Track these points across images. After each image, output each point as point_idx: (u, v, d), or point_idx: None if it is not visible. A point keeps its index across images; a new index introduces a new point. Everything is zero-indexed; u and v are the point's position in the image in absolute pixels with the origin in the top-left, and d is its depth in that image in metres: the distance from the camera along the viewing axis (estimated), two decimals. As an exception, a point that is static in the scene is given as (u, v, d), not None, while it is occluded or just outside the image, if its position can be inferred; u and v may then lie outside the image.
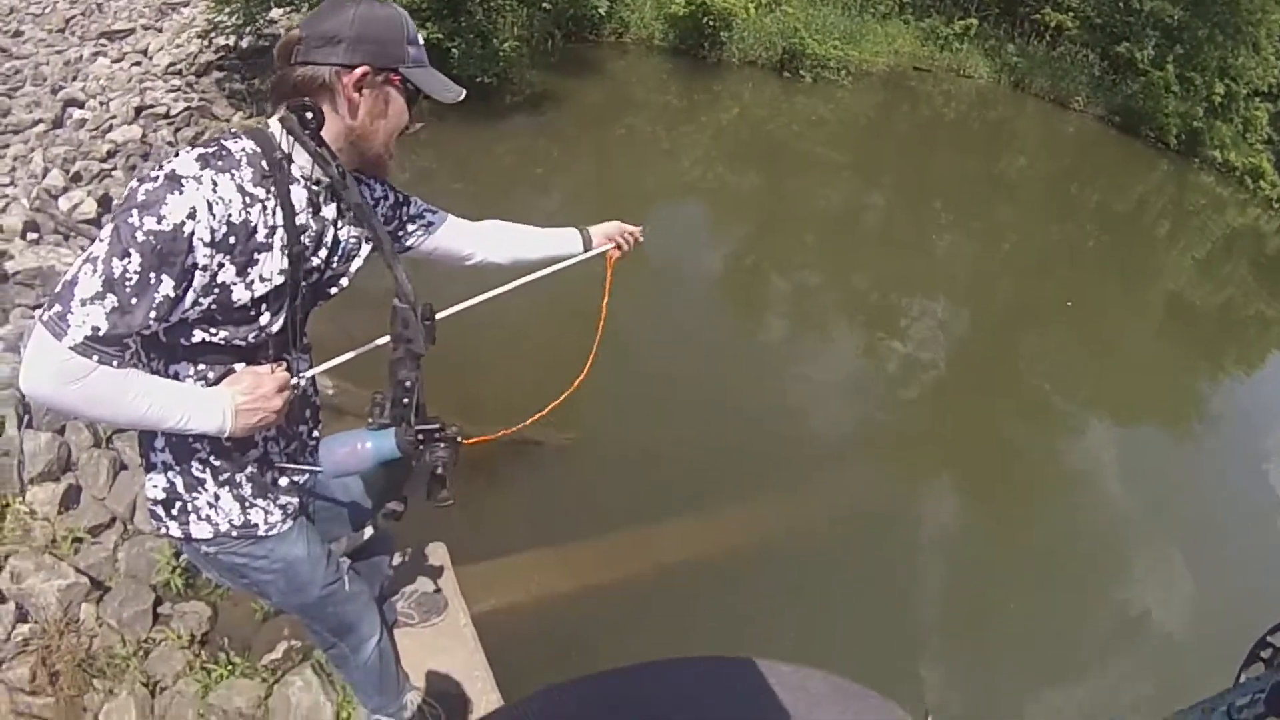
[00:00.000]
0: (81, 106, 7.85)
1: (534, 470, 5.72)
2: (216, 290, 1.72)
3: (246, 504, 2.15)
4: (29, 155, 6.84)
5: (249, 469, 2.12)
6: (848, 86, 15.57)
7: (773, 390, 7.55)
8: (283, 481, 2.23)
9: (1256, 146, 28.04)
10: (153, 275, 1.60)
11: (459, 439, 2.16)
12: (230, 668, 3.32)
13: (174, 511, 2.10)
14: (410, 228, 2.36)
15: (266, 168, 1.74)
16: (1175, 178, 24.19)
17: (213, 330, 1.80)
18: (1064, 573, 6.88)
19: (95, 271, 1.57)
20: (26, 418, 4.04)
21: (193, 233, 1.62)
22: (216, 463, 2.06)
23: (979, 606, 6.32)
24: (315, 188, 1.86)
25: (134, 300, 1.60)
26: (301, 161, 1.81)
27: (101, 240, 1.59)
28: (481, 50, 9.02)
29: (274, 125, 1.81)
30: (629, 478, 5.95)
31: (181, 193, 1.59)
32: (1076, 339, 11.26)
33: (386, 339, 2.10)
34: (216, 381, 1.89)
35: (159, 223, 1.57)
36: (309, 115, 1.78)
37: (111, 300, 1.58)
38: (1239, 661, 2.47)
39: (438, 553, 4.02)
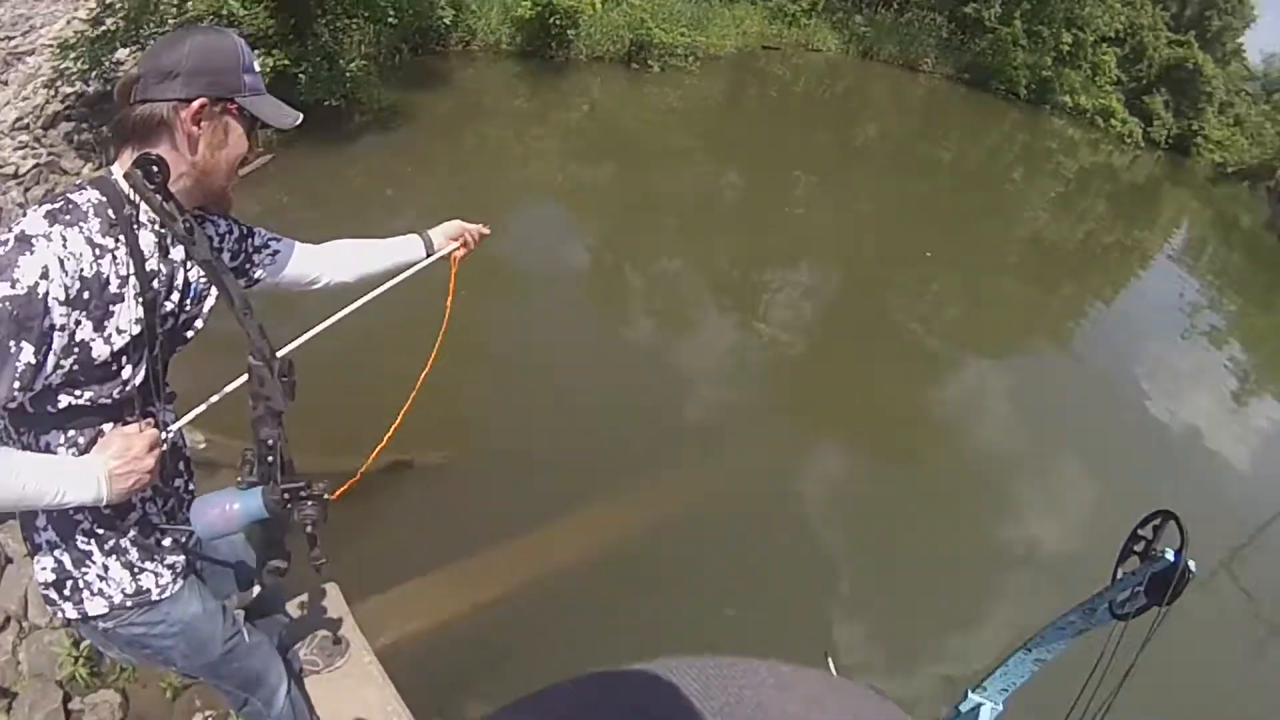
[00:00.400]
0: (-75, 175, 7.34)
1: (413, 493, 5.62)
2: (76, 350, 1.70)
3: (135, 570, 2.13)
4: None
5: (131, 533, 2.09)
6: (696, 72, 15.82)
7: (649, 377, 7.71)
8: (166, 542, 2.19)
9: (1105, 88, 29.21)
10: (12, 344, 1.57)
11: (325, 496, 2.09)
12: None
13: (66, 592, 2.07)
14: (256, 259, 2.34)
15: (113, 216, 1.74)
16: (1027, 125, 24.95)
17: (77, 393, 1.79)
18: (956, 508, 7.25)
19: None
20: (-98, 521, 3.90)
21: (47, 293, 1.60)
22: (99, 531, 2.03)
23: (879, 551, 6.55)
24: (162, 230, 1.86)
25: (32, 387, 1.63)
26: (147, 206, 1.79)
27: None
28: (329, 72, 8.96)
29: (116, 171, 1.81)
30: (511, 485, 5.94)
31: (32, 253, 1.59)
32: (943, 287, 11.73)
33: (244, 378, 2.00)
34: (88, 447, 1.86)
35: (13, 287, 1.55)
36: (154, 169, 1.73)
37: None
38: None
39: (331, 595, 3.99)
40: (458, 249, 2.97)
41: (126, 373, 1.84)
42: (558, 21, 13.53)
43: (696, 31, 16.34)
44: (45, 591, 2.09)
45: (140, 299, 1.81)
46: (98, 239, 1.70)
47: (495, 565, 5.22)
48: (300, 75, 8.67)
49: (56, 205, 1.68)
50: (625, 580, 5.45)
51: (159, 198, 1.75)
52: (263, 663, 2.70)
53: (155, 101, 1.77)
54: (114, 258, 1.73)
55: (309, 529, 2.03)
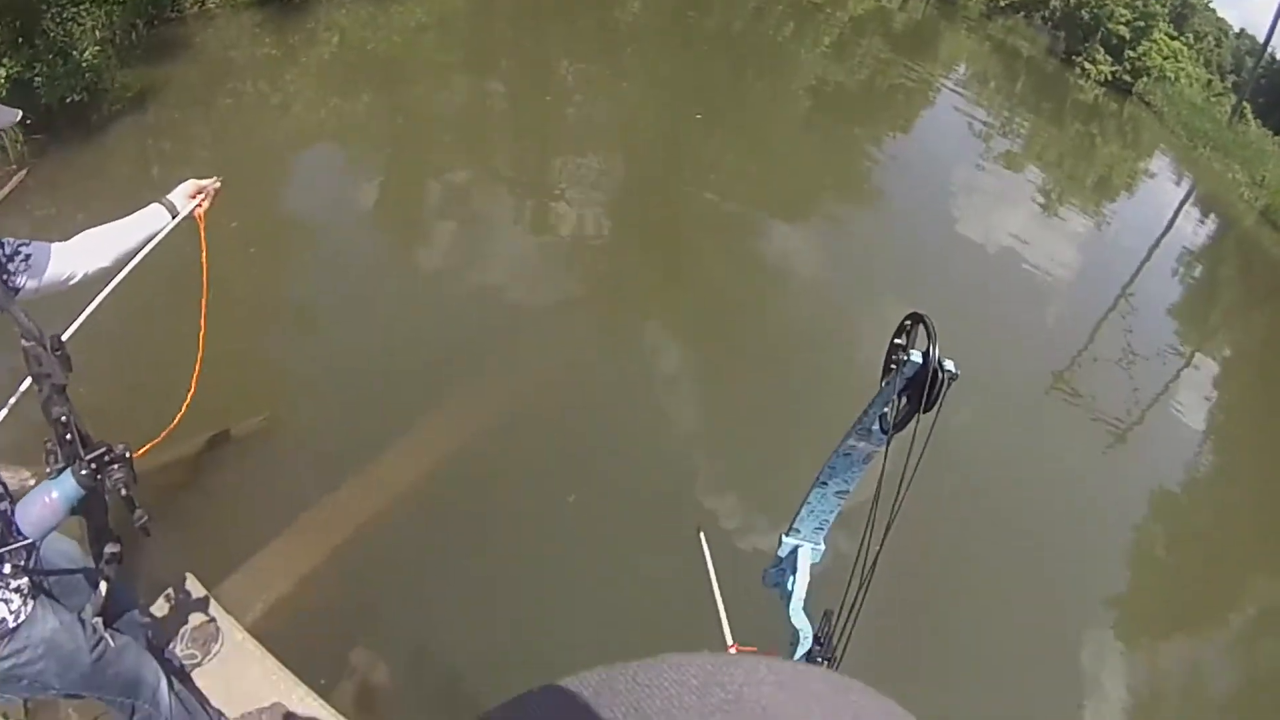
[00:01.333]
0: None
1: (240, 464, 5.63)
2: None
3: None
4: None
5: None
6: None
7: (457, 294, 7.94)
8: (6, 569, 2.22)
9: (864, -72, 29.77)
10: None
11: (128, 454, 2.17)
12: None
13: None
14: (12, 267, 2.33)
15: None
16: (789, -18, 25.40)
17: None
18: (779, 363, 7.91)
19: None
20: None
21: None
22: None
23: (711, 418, 7.07)
24: None
25: None
26: None
27: None
28: (65, 68, 8.78)
29: None
30: (335, 429, 6.08)
31: None
32: (733, 153, 12.44)
33: (27, 383, 2.12)
34: None
35: None
36: None
37: None
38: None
39: (190, 584, 4.07)
40: (198, 206, 3.02)
41: None
42: None
43: None
44: None
45: None
46: None
47: (339, 509, 5.35)
48: (36, 79, 8.54)
49: None
50: (470, 489, 5.77)
51: None
52: (135, 663, 2.77)
53: None
54: None
55: (124, 492, 2.16)
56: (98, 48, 9.65)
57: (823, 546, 3.25)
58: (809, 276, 9.80)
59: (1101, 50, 30.22)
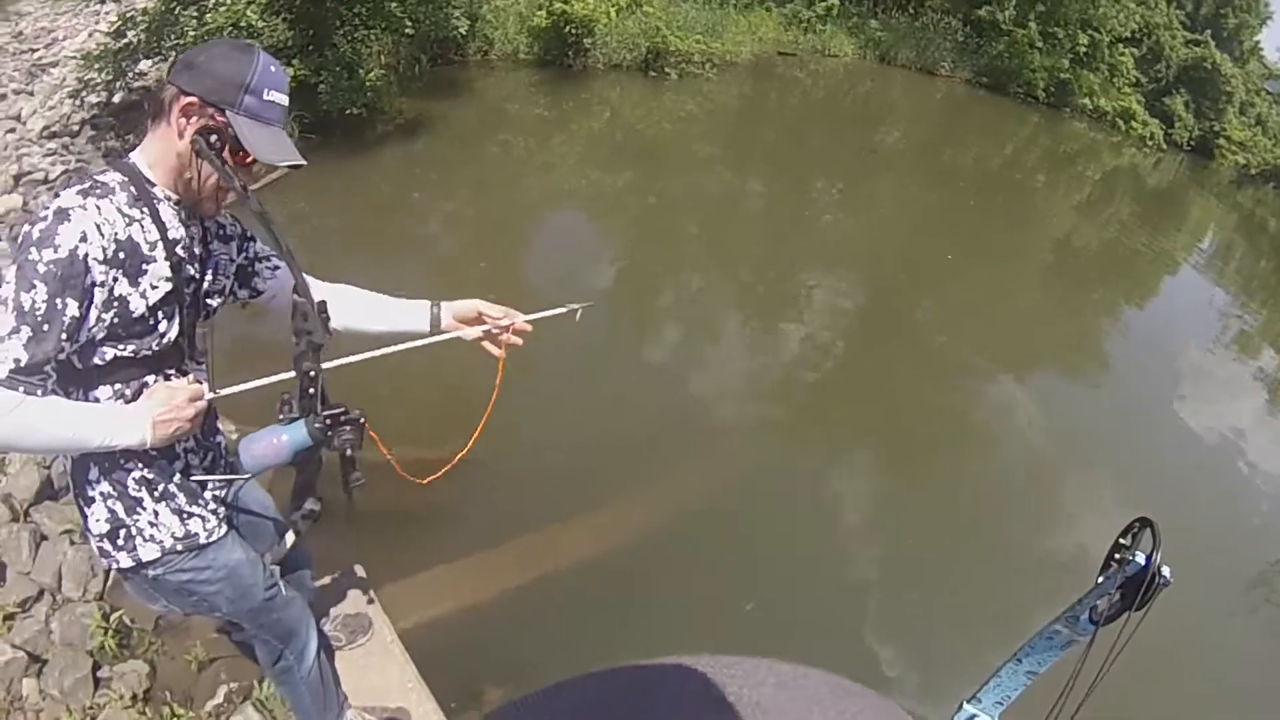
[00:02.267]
0: (-45, 178, 7.43)
1: (441, 485, 5.38)
2: (116, 304, 1.84)
3: (184, 515, 2.25)
4: (-93, 232, 6.53)
5: (178, 479, 2.21)
6: (713, 79, 15.83)
7: (673, 380, 7.68)
8: (208, 493, 2.32)
9: (1125, 90, 29.13)
10: (58, 301, 1.75)
11: (362, 420, 2.23)
12: (177, 719, 3.36)
13: (120, 541, 2.18)
14: (258, 267, 2.37)
15: (136, 192, 1.87)
16: (1048, 129, 24.87)
17: (121, 345, 1.92)
18: (976, 515, 7.18)
19: (6, 310, 1.71)
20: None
21: (87, 254, 1.75)
22: (150, 477, 2.15)
23: (894, 556, 6.50)
24: (178, 207, 1.97)
25: (45, 327, 1.74)
26: (161, 183, 1.93)
27: (7, 283, 1.72)
28: (348, 82, 9.00)
29: (136, 156, 1.93)
30: (536, 480, 5.97)
31: (70, 221, 1.74)
32: (968, 295, 11.57)
33: (290, 373, 2.16)
34: (134, 398, 2.01)
35: (56, 252, 1.72)
36: (212, 136, 1.88)
37: (26, 332, 1.72)
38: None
39: (357, 574, 4.10)
40: (497, 352, 2.81)
41: (163, 327, 1.98)
42: (573, 31, 13.59)
43: (712, 39, 16.36)
44: (100, 544, 2.20)
45: (168, 261, 1.94)
46: (126, 210, 1.86)
47: (518, 556, 5.27)
48: (320, 85, 8.73)
49: (86, 184, 1.84)
50: (644, 572, 5.49)
51: (220, 160, 1.92)
52: (297, 617, 2.81)
53: (169, 85, 1.88)
54: (141, 225, 1.88)
55: (349, 452, 2.20)
56: (382, 71, 9.87)
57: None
58: (1017, 439, 9.01)
59: None
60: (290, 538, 2.62)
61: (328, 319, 2.14)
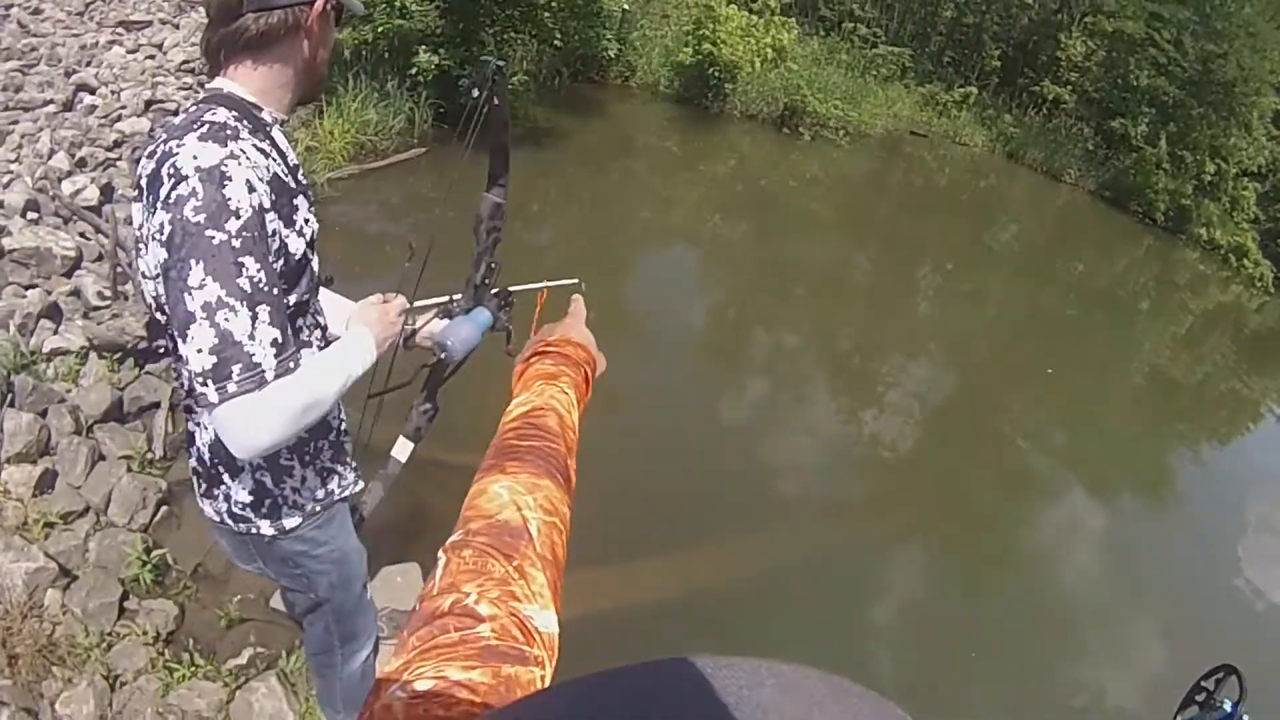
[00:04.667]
0: (93, 93, 7.62)
1: None
2: (283, 252, 1.73)
3: (327, 474, 2.21)
4: (37, 135, 6.66)
5: (331, 436, 2.20)
6: (845, 146, 15.65)
7: (751, 444, 7.51)
8: (348, 446, 2.31)
9: (1242, 225, 28.37)
10: (267, 259, 1.62)
11: (512, 300, 2.52)
12: (194, 669, 3.25)
13: (264, 510, 2.12)
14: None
15: (252, 124, 1.71)
16: (1160, 253, 24.38)
17: (289, 295, 1.81)
18: (1030, 637, 6.87)
19: (234, 305, 1.56)
20: (10, 396, 3.97)
21: (260, 204, 1.61)
22: (307, 436, 2.10)
23: (943, 667, 6.23)
24: (284, 128, 1.87)
25: (274, 291, 1.62)
26: (271, 107, 1.80)
27: (208, 281, 1.54)
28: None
29: (230, 84, 1.77)
30: (600, 514, 5.63)
31: (232, 180, 1.57)
32: (1055, 407, 11.28)
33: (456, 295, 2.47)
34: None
35: (239, 218, 1.56)
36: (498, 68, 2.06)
37: (265, 308, 1.59)
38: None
39: (411, 574, 4.02)
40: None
41: (314, 262, 1.88)
42: (717, 74, 13.49)
43: (849, 106, 16.13)
44: (240, 512, 2.11)
45: (302, 193, 1.83)
46: (260, 144, 1.70)
47: (577, 583, 4.84)
48: (462, 78, 8.50)
49: (207, 129, 1.63)
50: (694, 631, 5.32)
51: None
52: (367, 624, 2.79)
53: (277, 9, 1.73)
54: (273, 158, 1.73)
55: (510, 328, 2.52)
56: (524, 76, 9.83)
57: None
58: (1082, 565, 8.63)
59: None
60: (408, 448, 2.78)
61: (505, 214, 2.46)
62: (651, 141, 11.65)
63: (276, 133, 1.80)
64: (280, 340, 1.62)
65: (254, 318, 1.57)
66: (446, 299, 2.43)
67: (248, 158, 1.61)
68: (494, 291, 2.46)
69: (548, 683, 0.81)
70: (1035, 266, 16.96)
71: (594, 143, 10.43)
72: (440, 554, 0.90)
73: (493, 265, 2.41)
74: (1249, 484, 14.14)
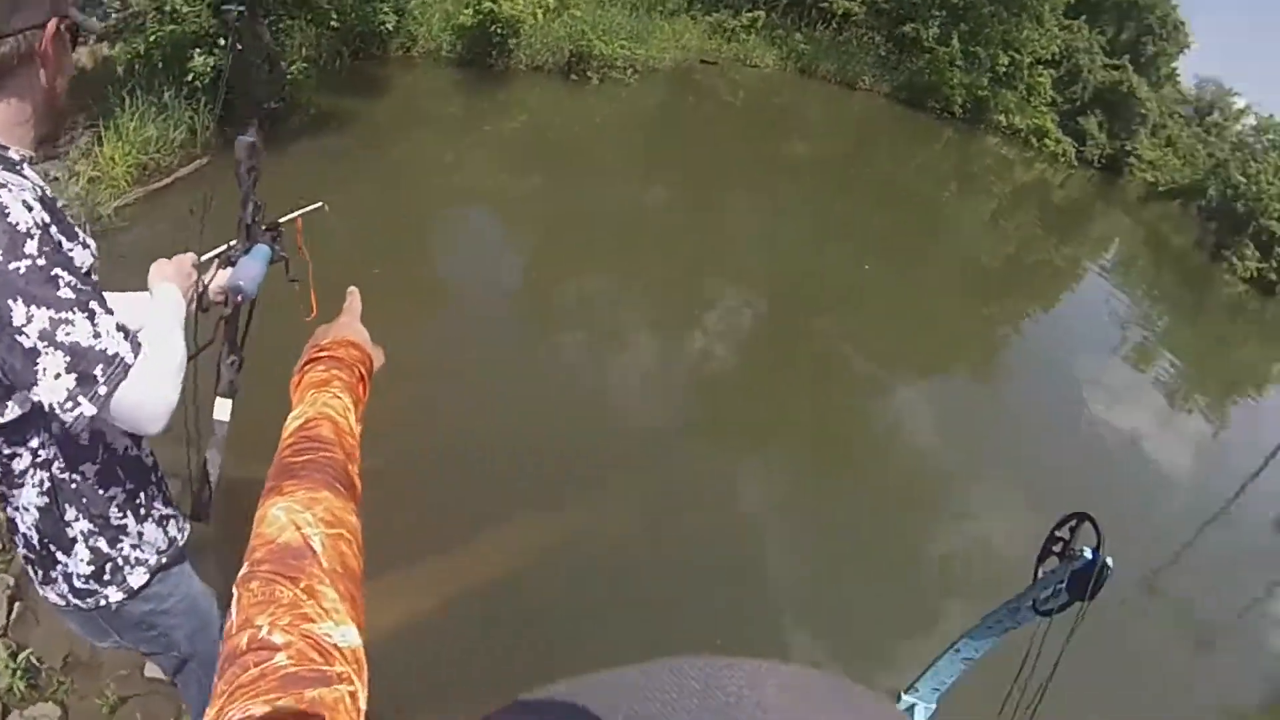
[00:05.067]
0: None
1: None
2: (70, 267, 1.69)
3: (164, 521, 2.26)
4: None
5: (153, 478, 2.25)
6: (633, 84, 16.01)
7: (578, 394, 7.68)
8: (166, 485, 2.34)
9: (1040, 109, 29.98)
10: (70, 264, 1.66)
11: (280, 229, 2.56)
12: None
13: (107, 576, 2.14)
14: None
15: (2, 164, 1.68)
16: (961, 144, 25.47)
17: None
18: (895, 525, 7.46)
19: (68, 317, 1.60)
20: None
21: (43, 220, 1.62)
22: (131, 488, 2.14)
23: (820, 574, 6.70)
24: (33, 165, 1.82)
25: (91, 286, 1.69)
26: (15, 144, 1.75)
27: (27, 323, 1.57)
28: (269, 75, 8.99)
29: None
30: (435, 499, 5.81)
31: (9, 208, 1.56)
32: (879, 305, 12.02)
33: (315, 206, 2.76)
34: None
35: (31, 237, 1.58)
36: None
37: (94, 302, 1.65)
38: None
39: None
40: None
41: (96, 279, 1.84)
42: (499, 30, 13.58)
43: (636, 44, 16.51)
44: (85, 585, 2.14)
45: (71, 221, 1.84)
46: (19, 176, 1.70)
47: (432, 577, 5.23)
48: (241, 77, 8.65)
49: None
50: (561, 586, 5.52)
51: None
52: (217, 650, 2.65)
53: (7, 37, 1.66)
54: (34, 186, 1.71)
55: (285, 256, 2.50)
56: (304, 64, 9.87)
57: (934, 707, 3.51)
58: (928, 442, 9.37)
59: (1251, 246, 29.23)
60: (227, 405, 2.66)
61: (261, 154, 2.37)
62: (439, 109, 11.84)
63: (28, 170, 1.77)
64: (120, 323, 1.68)
65: (91, 316, 1.62)
66: (225, 246, 2.52)
67: (14, 184, 1.63)
68: (264, 228, 2.54)
69: (360, 697, 0.86)
70: (840, 173, 17.67)
71: (381, 120, 10.56)
72: (234, 590, 0.94)
73: (259, 203, 2.48)
74: (1076, 342, 15.32)
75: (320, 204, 2.87)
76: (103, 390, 1.64)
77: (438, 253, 9.38)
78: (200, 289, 2.29)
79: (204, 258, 2.41)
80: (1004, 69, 27.15)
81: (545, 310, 9.03)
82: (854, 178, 17.94)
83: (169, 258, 2.18)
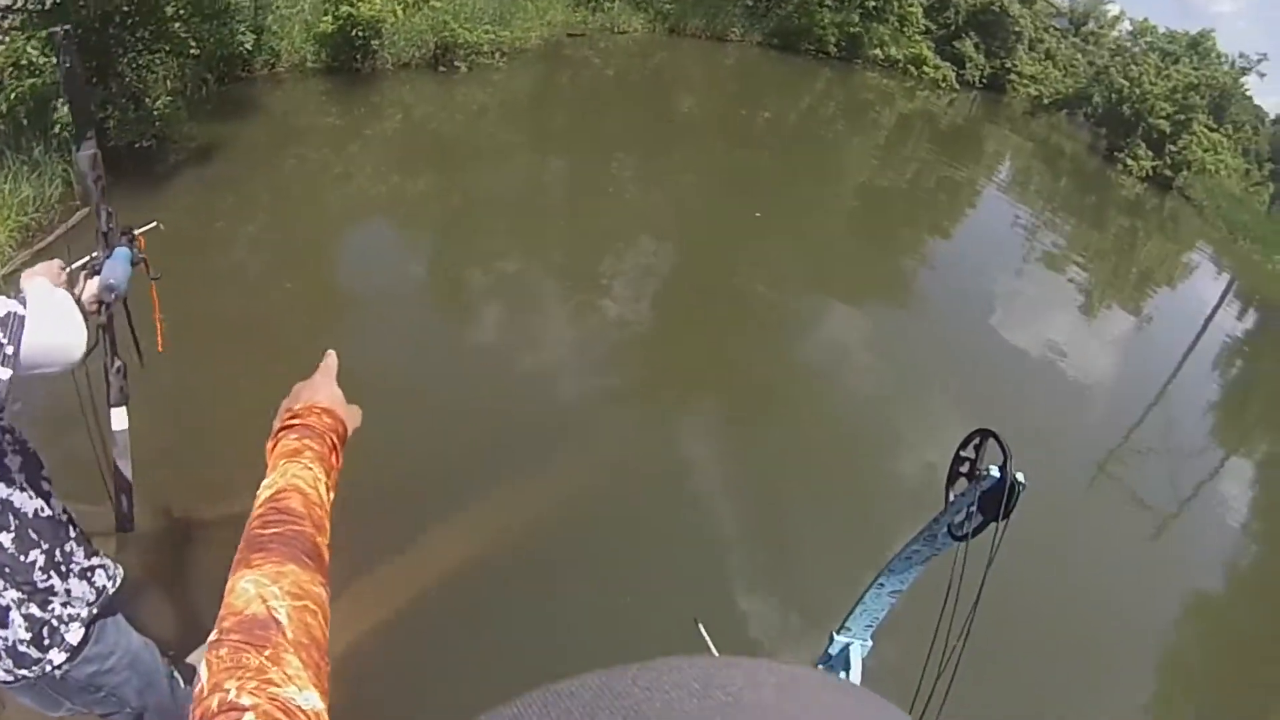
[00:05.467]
0: None
1: None
2: None
3: (88, 573, 2.33)
4: None
5: (71, 533, 2.30)
6: (504, 68, 16.09)
7: (503, 379, 7.75)
8: (84, 535, 2.40)
9: (914, 38, 30.59)
10: None
11: (135, 234, 2.99)
12: None
13: (46, 640, 2.20)
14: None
15: None
16: (841, 82, 25.94)
17: None
18: (823, 461, 7.78)
19: None
20: None
21: None
22: (47, 548, 2.19)
23: (763, 520, 6.92)
24: None
25: None
26: None
27: None
28: (136, 113, 8.88)
29: None
30: (374, 507, 5.47)
31: None
32: (782, 247, 12.32)
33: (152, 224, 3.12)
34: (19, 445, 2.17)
35: None
36: None
37: None
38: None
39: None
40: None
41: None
42: (360, 33, 13.53)
43: (500, 27, 16.56)
44: (26, 651, 2.19)
45: None
46: None
47: (370, 592, 5.20)
48: (109, 121, 8.62)
49: None
50: (511, 584, 5.59)
51: None
52: (189, 708, 2.56)
53: None
54: None
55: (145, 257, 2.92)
56: (169, 98, 9.76)
57: (870, 643, 3.49)
58: (850, 376, 9.80)
59: (1143, 146, 30.21)
60: (123, 413, 3.20)
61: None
62: (313, 121, 11.83)
63: None
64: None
65: None
66: (88, 258, 2.80)
67: None
68: (120, 233, 2.93)
69: None
70: (726, 125, 18.00)
71: (257, 141, 10.52)
72: (203, 656, 1.00)
73: (110, 211, 2.86)
74: (986, 259, 15.80)
75: (155, 223, 3.22)
76: (9, 349, 1.78)
77: (345, 262, 9.38)
78: (74, 297, 2.33)
79: (70, 268, 2.58)
80: (873, 3, 27.62)
81: (461, 302, 9.14)
82: (740, 127, 18.25)
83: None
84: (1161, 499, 9.75)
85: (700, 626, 4.59)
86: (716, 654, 3.76)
